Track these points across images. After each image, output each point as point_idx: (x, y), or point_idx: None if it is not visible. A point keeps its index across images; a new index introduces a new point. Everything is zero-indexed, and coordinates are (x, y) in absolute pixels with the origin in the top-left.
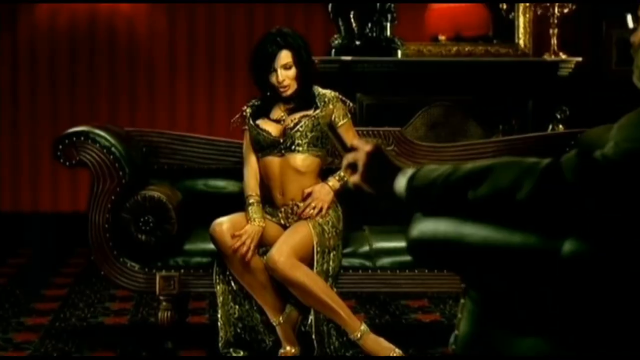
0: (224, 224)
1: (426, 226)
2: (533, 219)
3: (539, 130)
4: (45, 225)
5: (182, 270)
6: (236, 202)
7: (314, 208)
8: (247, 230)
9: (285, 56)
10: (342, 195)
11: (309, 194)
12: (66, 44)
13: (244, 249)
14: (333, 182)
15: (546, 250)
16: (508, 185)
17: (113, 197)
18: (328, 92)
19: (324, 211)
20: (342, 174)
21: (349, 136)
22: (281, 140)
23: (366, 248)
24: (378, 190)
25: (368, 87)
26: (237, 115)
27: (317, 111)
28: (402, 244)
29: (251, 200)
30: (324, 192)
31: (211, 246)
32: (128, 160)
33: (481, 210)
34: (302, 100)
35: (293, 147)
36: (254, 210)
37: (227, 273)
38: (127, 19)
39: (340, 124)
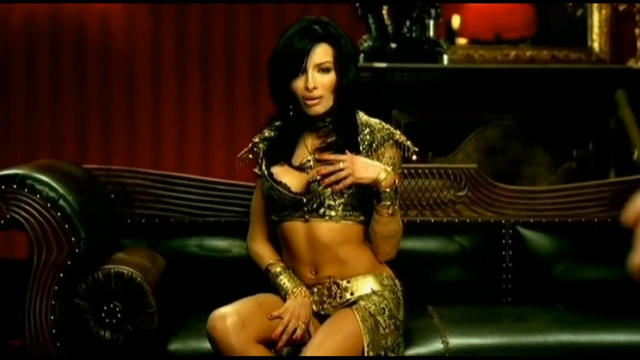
0: (227, 317)
1: None
2: None
3: (622, 156)
4: None
5: None
6: (245, 272)
7: (332, 173)
8: (288, 308)
9: (322, 52)
10: (399, 265)
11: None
12: (21, 55)
13: (287, 336)
14: (385, 176)
15: None
16: None
17: (62, 275)
18: (379, 125)
19: (344, 185)
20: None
21: None
22: (304, 200)
23: (439, 345)
24: None
25: (406, 102)
26: (246, 149)
27: (361, 153)
28: (489, 340)
29: (277, 269)
30: (364, 170)
31: (208, 346)
32: (84, 218)
33: None
34: (338, 128)
35: (322, 210)
36: (288, 280)
37: None
38: (101, 21)
39: None
